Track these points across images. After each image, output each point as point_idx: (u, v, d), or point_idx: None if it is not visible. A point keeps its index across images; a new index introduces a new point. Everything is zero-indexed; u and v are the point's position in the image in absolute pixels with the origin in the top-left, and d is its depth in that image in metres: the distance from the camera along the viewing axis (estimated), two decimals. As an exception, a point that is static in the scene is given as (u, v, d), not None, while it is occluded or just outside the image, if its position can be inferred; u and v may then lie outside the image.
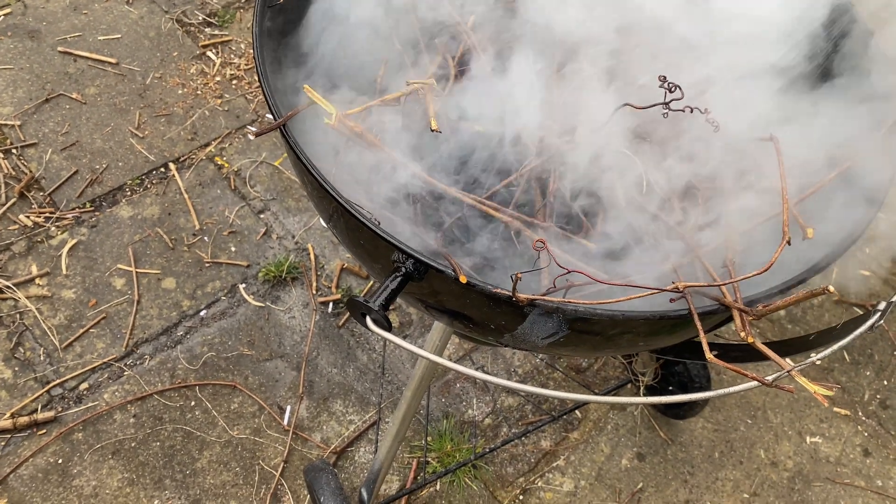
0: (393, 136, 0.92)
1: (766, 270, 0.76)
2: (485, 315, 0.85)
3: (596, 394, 1.84)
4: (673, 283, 0.74)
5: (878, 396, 1.99)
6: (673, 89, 0.80)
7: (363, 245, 0.88)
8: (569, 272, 0.74)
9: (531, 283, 0.84)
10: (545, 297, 0.73)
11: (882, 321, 0.79)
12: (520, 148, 1.01)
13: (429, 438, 1.81)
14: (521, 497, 1.76)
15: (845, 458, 1.88)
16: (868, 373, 2.03)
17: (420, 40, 1.09)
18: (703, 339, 0.72)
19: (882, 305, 0.80)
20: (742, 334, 0.72)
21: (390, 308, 0.77)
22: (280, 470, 1.74)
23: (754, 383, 0.72)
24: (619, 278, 0.78)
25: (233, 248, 2.07)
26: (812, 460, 1.87)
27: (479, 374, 0.74)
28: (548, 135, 0.97)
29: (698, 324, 0.74)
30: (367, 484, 1.54)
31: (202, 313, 1.96)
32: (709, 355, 0.70)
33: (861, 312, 2.22)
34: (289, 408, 1.83)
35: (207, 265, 2.03)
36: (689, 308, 0.75)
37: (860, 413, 1.96)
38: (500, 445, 1.75)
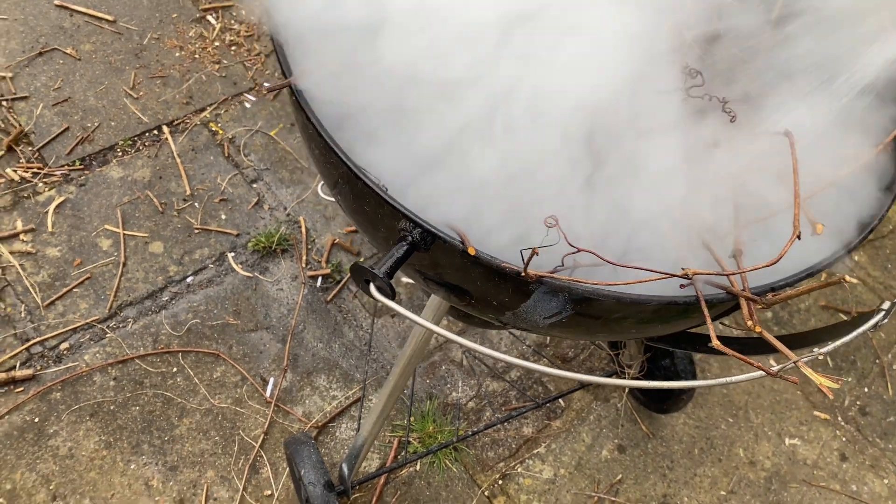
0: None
1: (776, 262, 0.75)
2: (487, 290, 0.84)
3: (601, 376, 1.83)
4: (682, 269, 0.73)
5: (858, 403, 2.01)
6: (694, 75, 0.79)
7: (367, 212, 0.87)
8: (579, 251, 0.73)
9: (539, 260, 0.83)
10: (554, 275, 0.72)
11: (886, 320, 0.79)
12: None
13: (411, 419, 1.80)
14: (500, 482, 1.76)
15: (822, 461, 1.90)
16: (850, 379, 2.05)
17: None
18: (711, 326, 0.71)
19: (886, 305, 0.80)
20: (749, 323, 0.71)
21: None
22: (260, 441, 1.72)
23: (759, 373, 0.72)
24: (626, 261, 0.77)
25: (223, 216, 2.05)
26: (790, 462, 1.88)
27: (481, 348, 0.72)
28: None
29: (705, 310, 0.73)
30: (349, 459, 1.53)
31: (189, 280, 1.93)
32: (715, 342, 0.70)
33: (846, 318, 2.23)
34: (272, 380, 1.81)
35: (197, 231, 2.00)
36: (697, 294, 0.74)
37: (839, 418, 1.98)
38: (482, 429, 1.75)
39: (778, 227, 0.86)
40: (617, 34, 0.84)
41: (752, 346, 0.95)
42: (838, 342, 0.78)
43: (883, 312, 0.81)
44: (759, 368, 0.69)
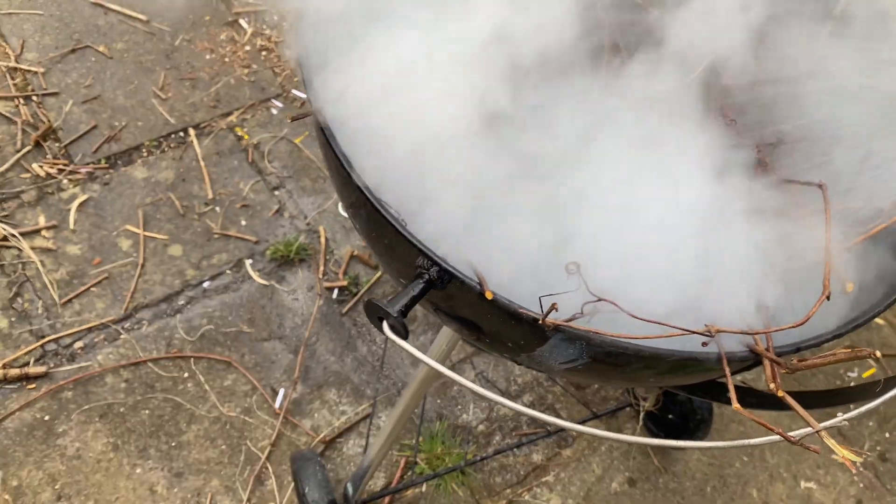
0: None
1: (802, 323, 0.72)
2: (503, 331, 0.82)
3: (615, 406, 1.81)
4: (706, 325, 0.71)
5: (878, 448, 1.96)
6: (730, 124, 0.77)
7: (385, 243, 0.85)
8: (599, 300, 0.71)
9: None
10: (572, 325, 0.70)
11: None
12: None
13: (420, 439, 1.78)
14: (506, 508, 1.74)
15: (838, 507, 1.85)
16: (871, 423, 2.00)
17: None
18: (731, 387, 0.69)
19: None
20: (772, 386, 0.69)
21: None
22: (267, 453, 1.71)
23: (777, 437, 0.69)
24: (644, 313, 0.74)
25: (243, 222, 2.04)
26: (804, 505, 1.84)
27: (492, 396, 0.70)
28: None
29: (727, 370, 0.71)
30: (355, 479, 1.51)
31: (205, 285, 1.93)
32: (736, 405, 0.67)
33: (870, 360, 2.17)
34: (282, 391, 1.80)
35: (216, 236, 2.00)
36: (720, 352, 0.72)
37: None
38: (491, 455, 1.72)
39: (806, 282, 0.83)
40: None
41: (773, 400, 0.92)
42: (863, 408, 0.75)
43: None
44: (780, 435, 0.66)
